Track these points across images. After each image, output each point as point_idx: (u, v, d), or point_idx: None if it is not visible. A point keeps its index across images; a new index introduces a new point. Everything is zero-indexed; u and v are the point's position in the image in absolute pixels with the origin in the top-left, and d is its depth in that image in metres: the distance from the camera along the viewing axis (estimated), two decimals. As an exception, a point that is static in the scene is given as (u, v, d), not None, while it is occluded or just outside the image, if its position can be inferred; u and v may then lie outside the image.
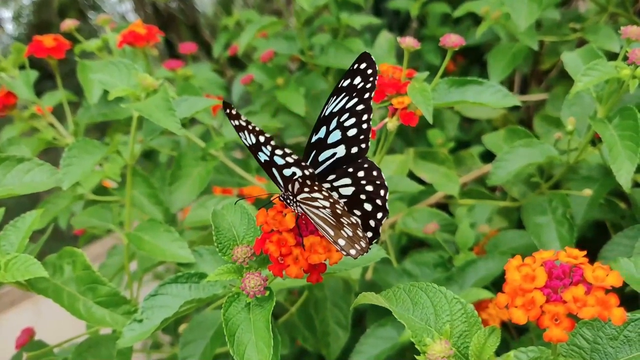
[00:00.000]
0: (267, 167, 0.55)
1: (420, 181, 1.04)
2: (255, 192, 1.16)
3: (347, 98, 0.57)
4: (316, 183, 0.52)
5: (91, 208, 0.90)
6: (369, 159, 0.58)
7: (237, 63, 2.02)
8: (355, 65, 0.57)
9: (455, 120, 1.45)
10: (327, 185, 0.58)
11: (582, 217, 0.90)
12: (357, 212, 0.57)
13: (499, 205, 1.08)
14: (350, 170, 0.58)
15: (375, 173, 0.57)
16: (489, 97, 0.81)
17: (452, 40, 0.75)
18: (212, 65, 1.98)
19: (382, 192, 0.56)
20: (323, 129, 0.58)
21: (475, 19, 1.55)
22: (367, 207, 0.57)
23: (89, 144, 0.77)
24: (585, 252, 0.44)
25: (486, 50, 1.61)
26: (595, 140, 0.89)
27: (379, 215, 0.56)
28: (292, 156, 0.52)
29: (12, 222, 0.72)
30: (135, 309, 0.66)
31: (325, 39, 1.38)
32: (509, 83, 1.61)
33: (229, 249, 0.60)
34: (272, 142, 0.51)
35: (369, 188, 0.57)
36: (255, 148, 0.53)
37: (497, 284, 0.95)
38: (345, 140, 0.58)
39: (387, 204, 0.56)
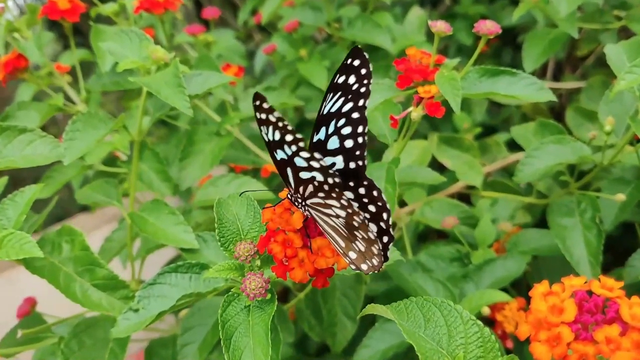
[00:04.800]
0: (282, 165, 0.49)
1: (441, 168, 0.99)
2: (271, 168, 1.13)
3: (343, 99, 0.51)
4: (336, 191, 0.47)
5: (95, 183, 0.86)
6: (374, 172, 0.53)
7: (266, 29, 1.95)
8: (348, 61, 0.51)
9: (484, 104, 1.39)
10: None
11: (611, 222, 0.84)
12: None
13: (523, 201, 1.03)
14: (352, 184, 0.52)
15: (375, 193, 0.51)
16: (521, 90, 0.75)
17: (487, 27, 0.69)
18: (239, 32, 1.93)
19: (384, 216, 0.51)
20: (323, 130, 0.52)
21: (511, -2, 1.48)
22: (373, 227, 0.51)
23: (94, 117, 0.73)
24: (622, 284, 0.39)
25: (521, 32, 1.54)
26: (634, 141, 0.83)
27: (385, 239, 0.51)
28: (320, 162, 0.46)
29: (11, 196, 0.69)
30: (133, 295, 0.63)
31: (353, 12, 1.32)
32: (541, 68, 1.54)
33: (231, 244, 0.56)
34: (301, 144, 0.45)
35: (372, 208, 0.51)
36: (275, 145, 0.47)
37: (515, 285, 0.91)
38: (343, 151, 0.52)
39: (391, 229, 0.51)
